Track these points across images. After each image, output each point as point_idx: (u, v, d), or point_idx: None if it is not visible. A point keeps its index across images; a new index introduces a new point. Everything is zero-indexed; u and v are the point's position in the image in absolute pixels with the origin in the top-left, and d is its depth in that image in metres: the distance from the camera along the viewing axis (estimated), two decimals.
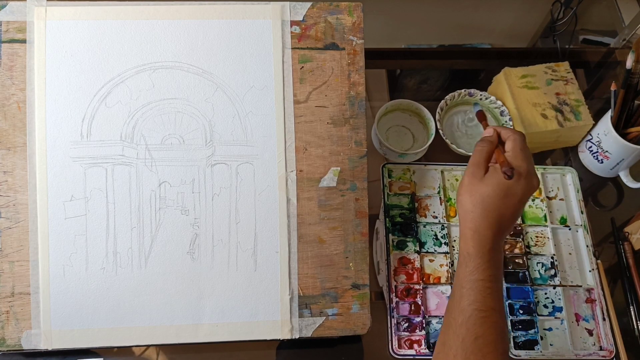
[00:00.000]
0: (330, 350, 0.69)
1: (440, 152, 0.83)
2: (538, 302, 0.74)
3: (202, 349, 0.68)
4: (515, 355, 0.70)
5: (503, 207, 0.55)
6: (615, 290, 0.77)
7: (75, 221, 0.63)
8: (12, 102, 0.63)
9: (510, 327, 0.71)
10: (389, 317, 0.71)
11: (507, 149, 0.58)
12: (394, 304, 0.71)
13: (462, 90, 0.85)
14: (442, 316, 0.71)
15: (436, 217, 0.78)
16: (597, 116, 0.82)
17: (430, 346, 0.69)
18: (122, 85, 0.64)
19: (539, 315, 0.73)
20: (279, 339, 0.65)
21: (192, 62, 0.65)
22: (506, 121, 0.83)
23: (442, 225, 0.77)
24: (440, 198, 0.79)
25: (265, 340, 0.65)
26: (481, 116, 0.69)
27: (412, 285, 0.73)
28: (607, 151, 0.80)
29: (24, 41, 0.63)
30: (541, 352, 0.70)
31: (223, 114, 0.65)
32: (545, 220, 0.79)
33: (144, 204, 0.64)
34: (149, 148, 0.64)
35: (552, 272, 0.76)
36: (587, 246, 0.78)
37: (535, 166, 0.81)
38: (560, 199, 0.81)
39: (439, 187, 0.80)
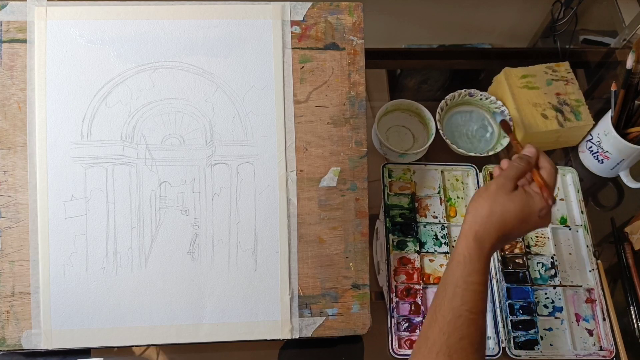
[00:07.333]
0: (330, 350, 0.69)
1: (440, 152, 0.83)
2: (538, 302, 0.74)
3: (202, 349, 0.68)
4: (515, 355, 0.70)
5: (516, 228, 0.56)
6: (615, 290, 0.77)
7: (76, 221, 0.63)
8: (13, 102, 0.63)
9: (510, 327, 0.71)
10: (389, 317, 0.71)
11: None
12: (394, 304, 0.71)
13: (462, 90, 0.85)
14: None
15: (436, 217, 0.78)
16: (597, 116, 0.82)
17: None
18: (123, 85, 0.64)
19: (539, 315, 0.73)
20: (280, 339, 0.65)
21: (192, 62, 0.65)
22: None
23: (442, 225, 0.77)
24: (440, 198, 0.79)
25: (266, 340, 0.65)
26: (506, 127, 0.68)
27: (412, 285, 0.73)
28: (607, 151, 0.80)
29: (24, 41, 0.63)
30: (541, 352, 0.70)
31: (223, 114, 0.65)
32: None
33: (144, 204, 0.64)
34: (149, 148, 0.64)
35: (552, 272, 0.76)
36: (587, 246, 0.78)
37: None
38: (560, 199, 0.81)
39: (439, 187, 0.80)
